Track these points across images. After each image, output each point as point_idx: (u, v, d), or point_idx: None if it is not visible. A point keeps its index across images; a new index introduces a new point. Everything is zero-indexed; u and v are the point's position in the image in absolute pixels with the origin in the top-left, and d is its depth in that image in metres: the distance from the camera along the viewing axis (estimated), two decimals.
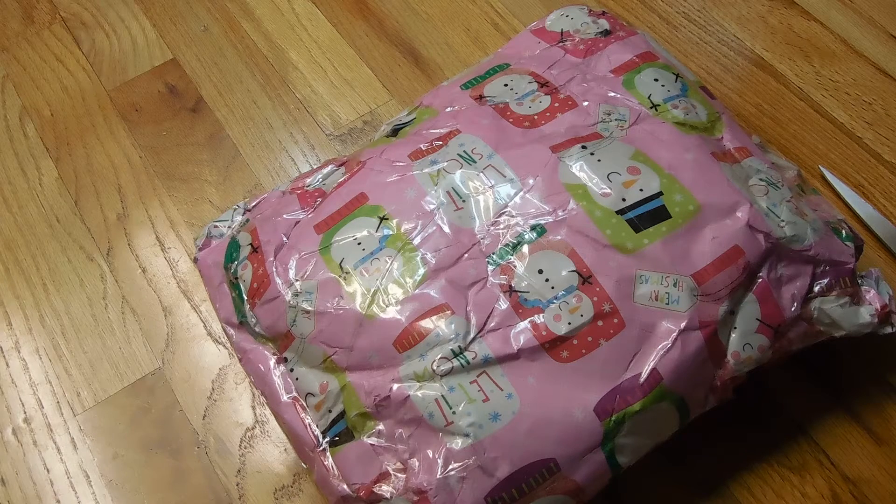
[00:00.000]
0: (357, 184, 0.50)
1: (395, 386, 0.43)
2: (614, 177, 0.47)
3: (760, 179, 0.49)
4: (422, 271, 0.45)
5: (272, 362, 0.48)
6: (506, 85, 0.54)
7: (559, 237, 0.45)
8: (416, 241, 0.46)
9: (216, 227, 0.55)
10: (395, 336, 0.44)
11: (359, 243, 0.47)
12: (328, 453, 0.44)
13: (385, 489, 0.42)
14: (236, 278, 0.50)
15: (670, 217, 0.45)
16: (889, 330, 0.47)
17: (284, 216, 0.51)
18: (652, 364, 0.43)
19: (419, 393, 0.43)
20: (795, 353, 0.47)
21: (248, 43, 0.70)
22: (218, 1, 0.73)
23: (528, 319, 0.43)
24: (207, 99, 0.67)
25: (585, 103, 0.51)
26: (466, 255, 0.46)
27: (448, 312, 0.44)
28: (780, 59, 0.67)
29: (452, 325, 0.43)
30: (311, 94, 0.67)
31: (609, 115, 0.50)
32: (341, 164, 0.54)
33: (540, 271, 0.44)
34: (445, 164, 0.49)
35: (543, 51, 0.57)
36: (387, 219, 0.48)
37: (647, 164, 0.47)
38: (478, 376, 0.42)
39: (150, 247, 0.60)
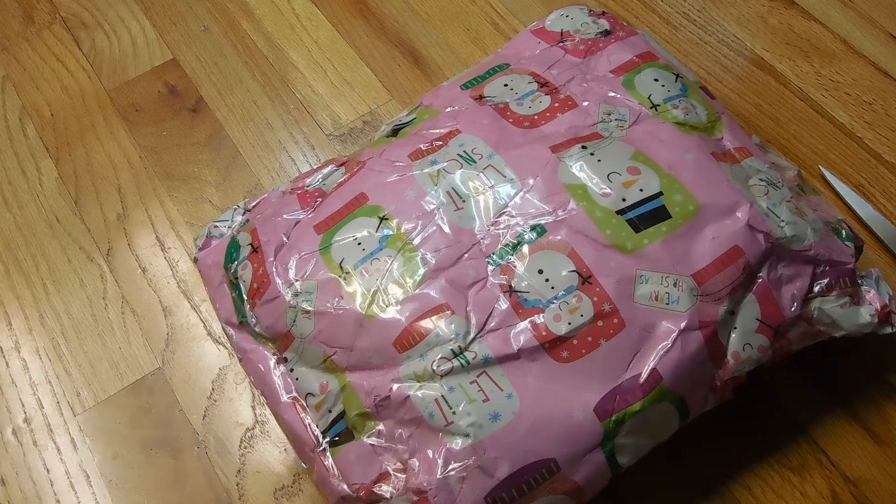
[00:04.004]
0: (357, 184, 0.50)
1: (395, 386, 0.43)
2: (614, 177, 0.47)
3: (760, 179, 0.49)
4: (422, 271, 0.45)
5: (272, 362, 0.48)
6: (506, 85, 0.54)
7: (559, 237, 0.45)
8: (416, 241, 0.46)
9: (216, 227, 0.55)
10: (395, 336, 0.44)
11: (359, 243, 0.47)
12: (328, 453, 0.44)
13: (385, 489, 0.42)
14: (236, 278, 0.50)
15: (670, 217, 0.45)
16: (889, 330, 0.47)
17: (284, 216, 0.51)
18: (652, 364, 0.43)
19: (419, 393, 0.43)
20: (795, 353, 0.47)
21: (248, 43, 0.70)
22: (218, 1, 0.73)
23: (528, 319, 0.43)
24: (207, 99, 0.67)
25: (585, 103, 0.51)
26: (466, 255, 0.46)
27: (448, 312, 0.44)
28: (780, 59, 0.67)
29: (452, 325, 0.43)
30: (311, 94, 0.67)
31: (609, 115, 0.51)
32: (341, 164, 0.54)
33: (540, 271, 0.44)
34: (445, 164, 0.49)
35: (543, 51, 0.57)
36: (387, 219, 0.48)
37: (647, 164, 0.47)
38: (478, 376, 0.42)
39: (150, 247, 0.60)
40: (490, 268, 0.45)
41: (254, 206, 0.55)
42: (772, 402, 0.51)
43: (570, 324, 0.43)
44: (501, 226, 0.46)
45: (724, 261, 0.44)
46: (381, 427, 0.43)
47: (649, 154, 0.48)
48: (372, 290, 0.45)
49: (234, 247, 0.52)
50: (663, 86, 0.52)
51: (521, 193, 0.47)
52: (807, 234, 0.46)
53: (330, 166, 0.54)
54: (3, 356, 0.56)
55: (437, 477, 0.41)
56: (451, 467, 0.41)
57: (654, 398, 0.42)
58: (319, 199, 0.51)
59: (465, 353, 0.43)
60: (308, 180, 0.54)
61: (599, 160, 0.47)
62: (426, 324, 0.44)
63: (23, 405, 0.54)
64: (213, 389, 0.54)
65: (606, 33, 0.56)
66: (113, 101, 0.68)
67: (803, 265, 0.46)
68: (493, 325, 0.44)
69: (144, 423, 0.53)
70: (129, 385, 0.54)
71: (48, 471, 0.52)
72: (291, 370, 0.47)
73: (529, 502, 0.41)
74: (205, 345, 0.56)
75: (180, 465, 0.51)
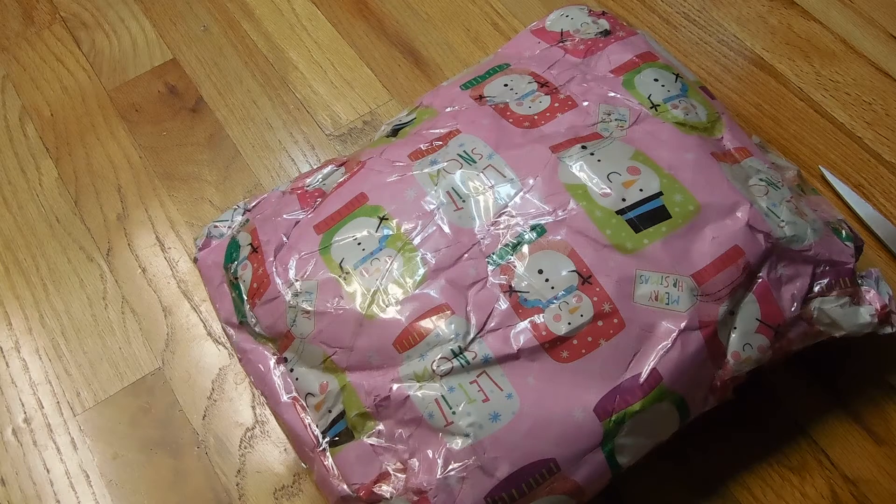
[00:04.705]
0: (357, 184, 0.50)
1: (395, 386, 0.43)
2: (614, 177, 0.47)
3: (760, 179, 0.49)
4: (422, 271, 0.45)
5: (272, 362, 0.48)
6: (506, 85, 0.54)
7: (559, 237, 0.45)
8: (416, 241, 0.46)
9: (216, 227, 0.55)
10: (395, 336, 0.44)
11: (359, 243, 0.47)
12: (328, 453, 0.44)
13: (385, 489, 0.42)
14: (236, 278, 0.50)
15: (670, 217, 0.45)
16: (889, 330, 0.47)
17: (284, 216, 0.51)
18: (652, 364, 0.43)
19: (419, 393, 0.43)
20: (795, 353, 0.47)
21: (248, 43, 0.70)
22: (218, 1, 0.73)
23: (528, 319, 0.43)
24: (207, 99, 0.67)
25: (585, 103, 0.51)
26: (466, 255, 0.46)
27: (448, 312, 0.44)
28: (780, 59, 0.67)
29: (452, 325, 0.43)
30: (311, 94, 0.67)
31: (609, 115, 0.50)
32: (341, 164, 0.54)
33: (540, 271, 0.44)
34: (445, 164, 0.49)
35: (543, 51, 0.57)
36: (387, 219, 0.48)
37: (647, 164, 0.47)
38: (478, 376, 0.42)
39: (150, 247, 0.60)
40: (490, 268, 0.45)
41: (254, 206, 0.55)
42: (772, 402, 0.51)
43: (569, 324, 0.43)
44: (501, 226, 0.46)
45: (724, 261, 0.44)
46: (381, 427, 0.43)
47: (649, 154, 0.48)
48: (372, 290, 0.45)
49: (234, 247, 0.52)
50: (663, 86, 0.52)
51: (521, 193, 0.47)
52: (807, 234, 0.46)
53: (330, 166, 0.54)
54: (3, 356, 0.56)
55: (437, 477, 0.41)
56: (451, 467, 0.41)
57: (654, 398, 0.42)
58: (319, 199, 0.51)
59: (465, 353, 0.43)
60: (308, 180, 0.54)
61: (599, 160, 0.47)
62: (426, 324, 0.44)
63: (23, 405, 0.54)
64: (213, 389, 0.54)
65: (606, 33, 0.56)
66: (113, 101, 0.68)
67: (803, 265, 0.46)
68: (493, 325, 0.43)
69: (144, 423, 0.53)
70: (129, 385, 0.54)
71: (48, 471, 0.52)
72: (291, 370, 0.47)
73: (529, 502, 0.41)
74: (205, 345, 0.56)
75: (180, 465, 0.51)
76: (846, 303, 0.46)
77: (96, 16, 0.73)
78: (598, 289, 0.43)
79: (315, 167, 0.58)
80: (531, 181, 0.47)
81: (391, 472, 0.43)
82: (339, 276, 0.46)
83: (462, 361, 0.43)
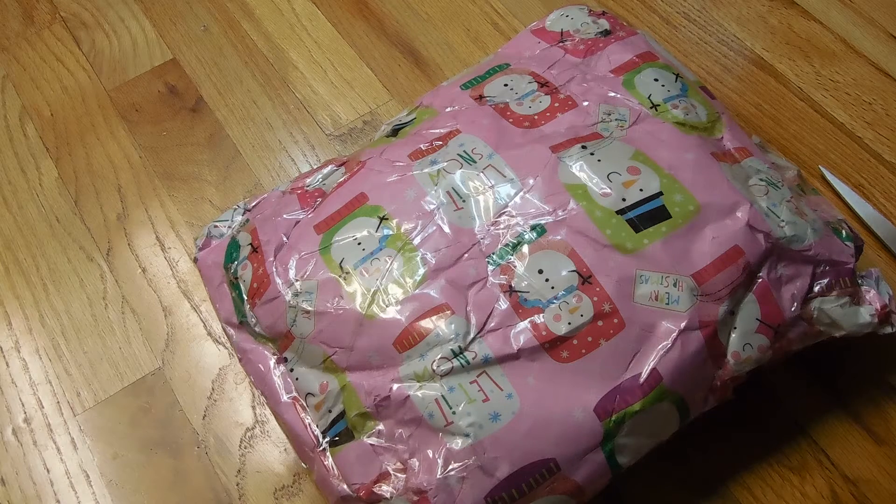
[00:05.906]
0: (357, 184, 0.50)
1: (395, 386, 0.43)
2: (614, 177, 0.47)
3: (760, 179, 0.49)
4: (422, 271, 0.45)
5: (272, 362, 0.48)
6: (506, 85, 0.54)
7: (559, 237, 0.45)
8: (416, 241, 0.46)
9: (216, 227, 0.55)
10: (395, 336, 0.44)
11: (359, 243, 0.47)
12: (328, 453, 0.44)
13: (385, 489, 0.42)
14: (236, 278, 0.50)
15: (670, 217, 0.45)
16: (889, 330, 0.47)
17: (284, 216, 0.51)
18: (652, 364, 0.43)
19: (419, 393, 0.43)
20: (795, 353, 0.47)
21: (248, 43, 0.70)
22: (218, 1, 0.73)
23: (528, 319, 0.43)
24: (207, 99, 0.67)
25: (585, 103, 0.51)
26: (466, 255, 0.46)
27: (448, 312, 0.44)
28: (780, 59, 0.67)
29: (452, 325, 0.43)
30: (311, 94, 0.67)
31: (609, 115, 0.50)
32: (341, 164, 0.54)
33: (540, 271, 0.44)
34: (445, 164, 0.49)
35: (543, 51, 0.57)
36: (387, 219, 0.48)
37: (647, 164, 0.47)
38: (478, 376, 0.42)
39: (150, 247, 0.60)
40: (490, 268, 0.45)
41: (254, 206, 0.55)
42: (772, 402, 0.51)
43: (570, 324, 0.43)
44: (501, 226, 0.46)
45: (724, 261, 0.44)
46: (381, 427, 0.43)
47: (649, 154, 0.48)
48: (372, 290, 0.45)
49: (234, 247, 0.52)
50: (663, 86, 0.52)
51: (521, 193, 0.47)
52: (807, 234, 0.46)
53: (330, 166, 0.54)
54: (3, 356, 0.56)
55: (437, 477, 0.41)
56: (451, 467, 0.41)
57: (654, 398, 0.42)
58: (319, 199, 0.51)
59: (465, 353, 0.43)
60: (308, 180, 0.54)
61: (599, 160, 0.47)
62: (426, 324, 0.44)
63: (23, 405, 0.54)
64: (213, 389, 0.54)
65: (606, 33, 0.56)
66: (113, 101, 0.68)
67: (803, 265, 0.46)
68: (493, 324, 0.43)
69: (144, 423, 0.53)
70: (129, 385, 0.54)
71: (48, 471, 0.52)
72: (291, 370, 0.47)
73: (529, 502, 0.41)
74: (205, 345, 0.56)
75: (180, 465, 0.51)
76: (846, 303, 0.46)
77: (96, 16, 0.73)
78: (598, 289, 0.43)
79: (315, 167, 0.58)
80: (531, 181, 0.47)
81: (391, 472, 0.43)
82: (339, 276, 0.46)
83: (462, 361, 0.43)
